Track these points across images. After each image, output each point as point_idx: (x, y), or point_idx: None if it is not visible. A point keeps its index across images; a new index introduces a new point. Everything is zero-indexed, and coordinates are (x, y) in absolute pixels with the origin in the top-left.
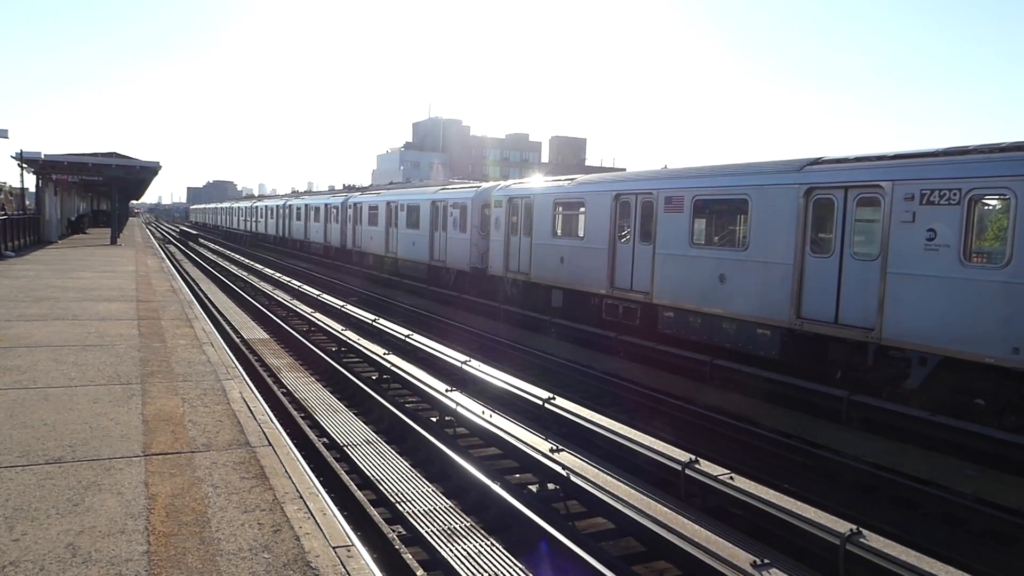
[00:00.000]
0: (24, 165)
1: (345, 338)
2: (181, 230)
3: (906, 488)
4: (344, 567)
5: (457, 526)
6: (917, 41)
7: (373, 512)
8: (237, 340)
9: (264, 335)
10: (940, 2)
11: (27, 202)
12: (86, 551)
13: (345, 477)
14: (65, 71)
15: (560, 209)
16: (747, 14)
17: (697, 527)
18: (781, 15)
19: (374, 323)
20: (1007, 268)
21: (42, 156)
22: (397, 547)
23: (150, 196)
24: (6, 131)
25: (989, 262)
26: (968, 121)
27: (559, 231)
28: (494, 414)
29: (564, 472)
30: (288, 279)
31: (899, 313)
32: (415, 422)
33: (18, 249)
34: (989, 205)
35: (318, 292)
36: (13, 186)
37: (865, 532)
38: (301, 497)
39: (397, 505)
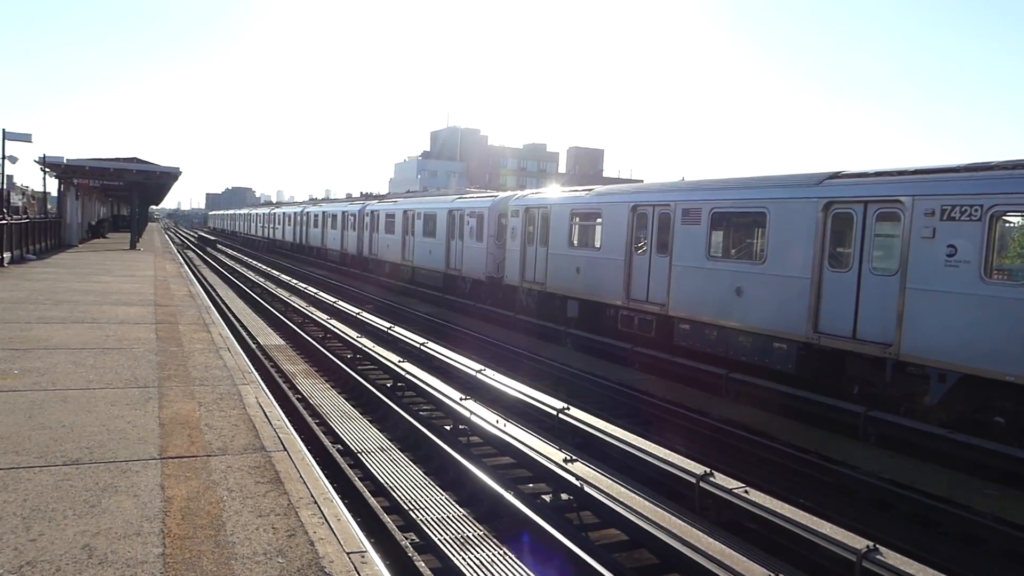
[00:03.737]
0: (47, 169)
1: (360, 345)
2: (200, 236)
3: (923, 506)
4: (358, 573)
5: (470, 535)
6: (947, 52)
7: (387, 519)
8: (253, 346)
9: (280, 341)
10: (972, 14)
11: (49, 206)
12: (102, 552)
13: (359, 483)
14: (86, 75)
15: (577, 220)
16: (768, 24)
17: (711, 540)
18: (805, 25)
19: (389, 331)
20: None
21: (64, 161)
22: (410, 554)
23: (170, 201)
24: (29, 135)
25: (1010, 279)
26: (1000, 134)
27: (575, 241)
28: (508, 423)
29: (578, 483)
30: (304, 286)
31: (918, 329)
32: (429, 430)
33: (39, 252)
34: (1011, 222)
35: (334, 299)
36: (36, 190)
37: (882, 549)
38: (315, 502)
39: (410, 512)
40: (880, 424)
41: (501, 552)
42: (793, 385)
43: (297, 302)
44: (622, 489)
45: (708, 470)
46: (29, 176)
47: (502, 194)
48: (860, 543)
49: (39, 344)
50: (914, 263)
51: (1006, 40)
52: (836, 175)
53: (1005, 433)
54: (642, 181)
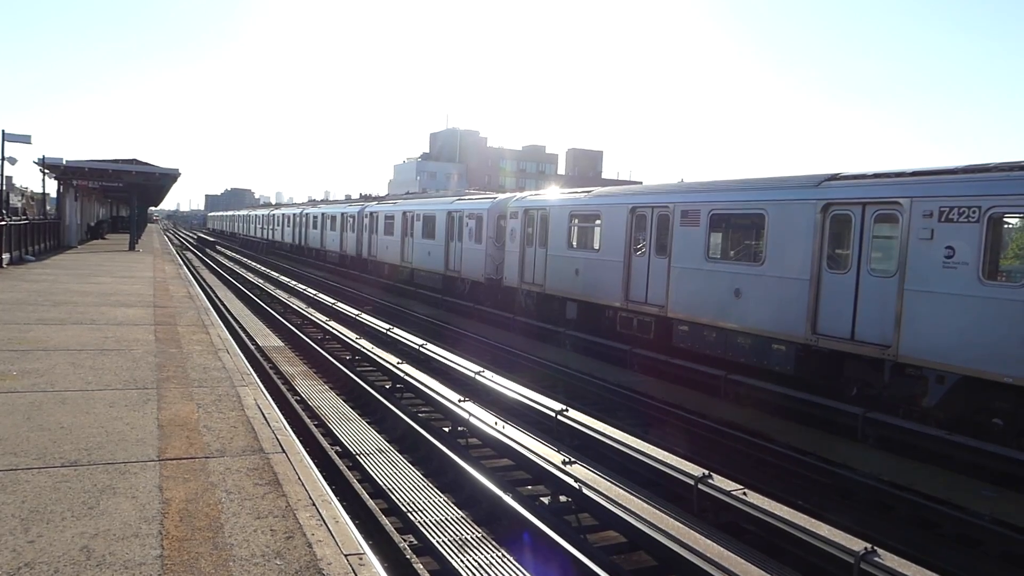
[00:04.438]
0: (46, 170)
1: (359, 347)
2: (199, 237)
3: (922, 507)
4: (356, 575)
5: (468, 537)
6: (945, 53)
7: (385, 521)
8: (252, 347)
9: (279, 343)
10: (971, 15)
11: (48, 207)
12: (100, 554)
13: (357, 485)
14: (86, 76)
15: (576, 221)
16: (769, 25)
17: (710, 542)
18: (806, 25)
19: (388, 332)
20: None
21: (64, 162)
22: (408, 557)
23: (169, 203)
24: (29, 136)
25: (1009, 280)
26: (998, 136)
27: (574, 243)
28: (507, 425)
29: (576, 485)
30: (304, 287)
31: (916, 331)
32: (428, 432)
33: (38, 254)
34: (1009, 223)
35: (333, 301)
36: (35, 191)
37: (880, 551)
38: (314, 504)
39: (409, 515)
40: (878, 425)
41: (500, 554)
42: (792, 386)
43: (296, 303)
44: (620, 491)
45: (706, 472)
46: (28, 177)
47: (501, 196)
48: (858, 545)
49: (38, 345)
50: (912, 265)
51: (1005, 41)
52: (834, 177)
53: (1003, 435)
54: (641, 183)
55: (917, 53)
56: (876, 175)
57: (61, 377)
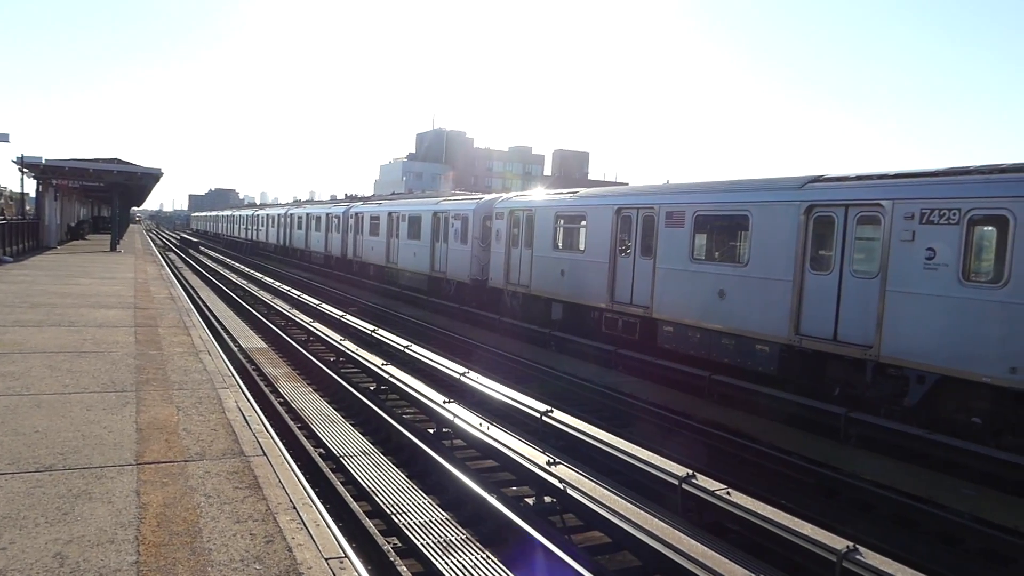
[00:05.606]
0: (25, 170)
1: (344, 348)
2: (182, 237)
3: (903, 506)
4: None
5: (453, 538)
6: (926, 56)
7: (368, 523)
8: (235, 349)
9: (262, 344)
10: (951, 18)
11: (27, 207)
12: (74, 561)
13: (340, 488)
14: (66, 73)
15: (561, 222)
16: (754, 29)
17: (693, 542)
18: (790, 29)
19: (373, 333)
20: (1005, 288)
21: (43, 161)
22: (392, 559)
23: (151, 203)
24: (7, 135)
25: (987, 282)
26: (982, 140)
27: (560, 244)
28: (491, 426)
29: (561, 485)
30: (288, 288)
31: (898, 331)
32: (412, 433)
33: (16, 254)
34: (988, 226)
35: (317, 302)
36: (13, 191)
37: (862, 549)
38: (295, 507)
39: (393, 516)
40: (861, 425)
41: (484, 556)
42: (775, 387)
43: (280, 305)
44: (605, 491)
45: (690, 472)
46: (7, 177)
47: (487, 196)
48: (840, 543)
49: (13, 348)
50: (894, 266)
51: (986, 45)
52: (818, 179)
53: (982, 434)
54: (627, 184)
55: (900, 57)
56: (859, 177)
57: (37, 380)
